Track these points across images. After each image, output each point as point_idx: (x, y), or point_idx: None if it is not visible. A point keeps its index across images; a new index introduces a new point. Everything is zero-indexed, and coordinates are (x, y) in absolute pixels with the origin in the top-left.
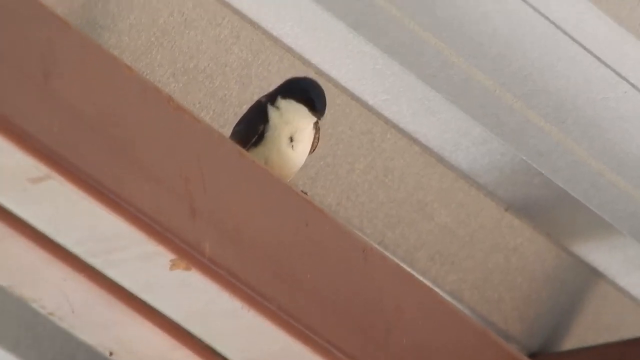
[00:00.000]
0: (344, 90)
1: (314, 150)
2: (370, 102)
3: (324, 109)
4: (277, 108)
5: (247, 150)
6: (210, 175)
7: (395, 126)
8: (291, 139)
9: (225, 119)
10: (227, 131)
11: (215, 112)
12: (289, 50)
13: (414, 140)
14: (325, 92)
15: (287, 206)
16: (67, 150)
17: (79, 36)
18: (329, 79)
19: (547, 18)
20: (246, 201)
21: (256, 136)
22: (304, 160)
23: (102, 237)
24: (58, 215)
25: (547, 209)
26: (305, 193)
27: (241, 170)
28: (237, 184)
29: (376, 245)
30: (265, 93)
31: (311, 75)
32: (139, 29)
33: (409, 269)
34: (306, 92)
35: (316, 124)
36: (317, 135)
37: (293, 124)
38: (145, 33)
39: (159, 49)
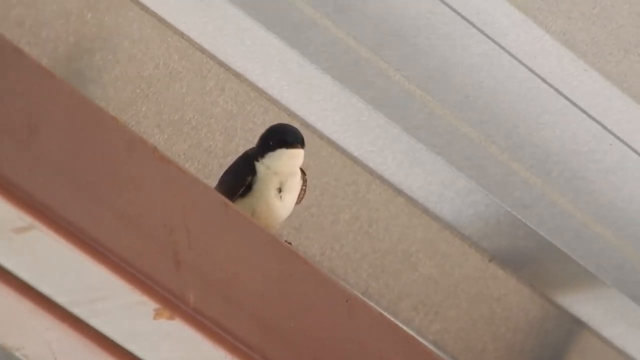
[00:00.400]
0: (329, 142)
1: (300, 200)
2: (356, 154)
3: (297, 139)
4: (263, 164)
5: (235, 201)
6: (195, 225)
7: (380, 177)
8: (280, 190)
9: (210, 170)
10: (213, 182)
11: (201, 163)
12: (274, 102)
13: (399, 192)
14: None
15: (271, 257)
16: (52, 200)
17: (65, 88)
18: (315, 130)
19: (533, 71)
20: (231, 252)
21: (244, 187)
22: (290, 211)
23: (86, 287)
24: (42, 265)
25: (532, 260)
26: (290, 243)
27: (226, 221)
28: (221, 234)
29: (360, 295)
30: (251, 145)
31: (297, 127)
32: (124, 81)
33: (393, 319)
34: (275, 136)
35: (303, 175)
36: (304, 187)
37: (282, 174)
38: (130, 85)
39: (145, 101)
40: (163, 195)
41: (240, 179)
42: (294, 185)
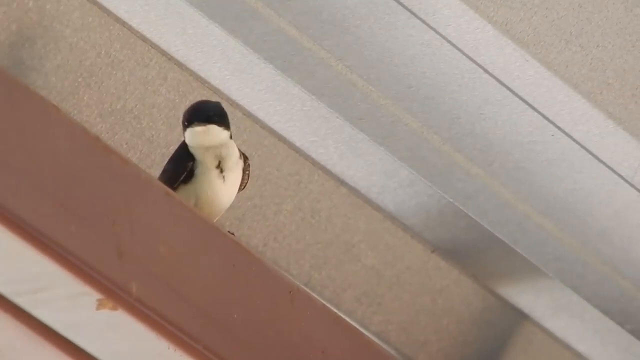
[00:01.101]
0: (271, 131)
1: (244, 187)
2: (298, 144)
3: (200, 116)
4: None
5: (178, 187)
6: (138, 215)
7: (322, 168)
8: (221, 170)
9: (153, 159)
10: (155, 172)
11: (143, 153)
12: (216, 91)
13: (341, 182)
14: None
15: (214, 247)
16: None
17: (5, 77)
18: (257, 120)
19: (474, 61)
20: (174, 242)
21: (185, 173)
22: (234, 195)
23: (28, 277)
24: None
25: (474, 251)
26: (232, 234)
27: (168, 211)
28: (164, 224)
29: (303, 287)
30: None
31: (239, 116)
32: (66, 69)
33: (335, 310)
34: (185, 115)
35: (246, 160)
36: (247, 172)
37: (214, 148)
38: (72, 74)
39: (86, 90)
40: (106, 185)
41: (181, 165)
42: (233, 165)
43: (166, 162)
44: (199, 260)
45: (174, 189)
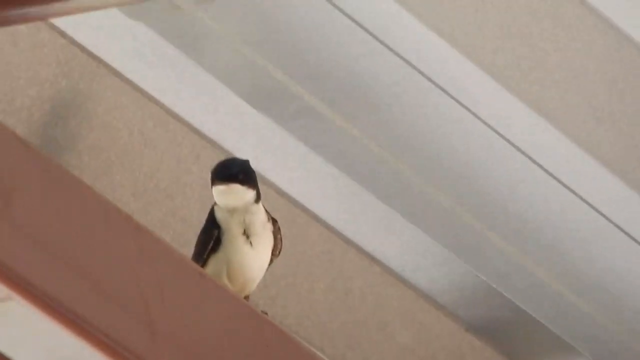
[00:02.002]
0: (304, 209)
1: (278, 253)
2: (331, 222)
3: (224, 174)
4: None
5: (208, 259)
6: (171, 295)
7: (355, 246)
8: (247, 236)
9: (186, 238)
10: (188, 250)
11: (176, 232)
12: None
13: (374, 260)
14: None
15: (247, 327)
16: (28, 271)
17: (39, 157)
18: (290, 198)
19: (507, 140)
20: (207, 322)
21: (212, 242)
22: (266, 261)
23: (63, 357)
24: (19, 336)
25: (508, 330)
26: (266, 313)
27: (201, 291)
28: (197, 304)
29: None
30: None
31: (271, 194)
32: (99, 148)
33: None
34: (211, 173)
35: (275, 223)
36: (279, 236)
37: (238, 213)
38: (105, 153)
39: (119, 169)
40: (138, 265)
41: (208, 234)
42: (260, 229)
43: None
44: (232, 340)
45: (205, 258)
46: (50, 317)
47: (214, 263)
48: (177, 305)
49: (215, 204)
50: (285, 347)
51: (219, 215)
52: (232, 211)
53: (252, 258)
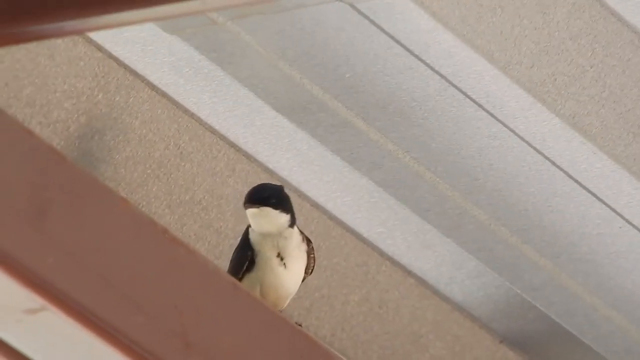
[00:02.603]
0: (339, 222)
1: (311, 272)
2: (365, 235)
3: (253, 198)
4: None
5: (243, 277)
6: (205, 307)
7: (390, 259)
8: (281, 258)
9: (221, 250)
10: (223, 262)
11: (211, 244)
12: (284, 182)
13: (409, 273)
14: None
15: (281, 338)
16: (62, 282)
17: (75, 169)
18: (325, 211)
19: (542, 154)
20: (241, 333)
21: (246, 263)
22: (299, 281)
23: None
24: (53, 346)
25: (542, 342)
26: (300, 325)
27: (235, 302)
28: (231, 315)
29: None
30: None
31: (307, 207)
32: (135, 161)
33: None
34: (244, 197)
35: (309, 243)
36: (312, 255)
37: (263, 233)
38: (141, 165)
39: (155, 181)
40: (173, 277)
41: (242, 255)
42: (294, 250)
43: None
44: (265, 351)
45: (240, 277)
46: (84, 327)
47: (248, 282)
48: (212, 316)
49: (249, 225)
50: (318, 358)
51: (252, 237)
52: (265, 234)
53: (285, 278)
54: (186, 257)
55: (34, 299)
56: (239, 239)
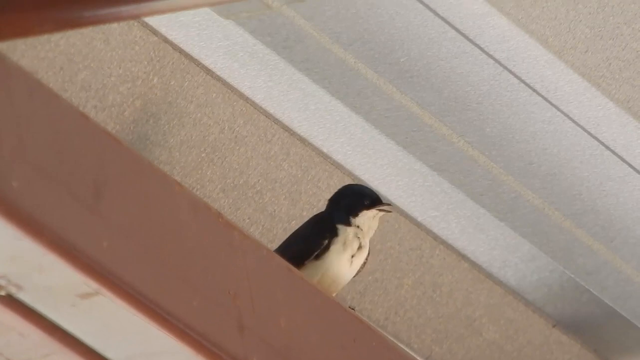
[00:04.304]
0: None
1: (363, 267)
2: (419, 219)
3: (378, 197)
4: (356, 226)
5: (306, 263)
6: (259, 290)
7: (443, 242)
8: (352, 255)
9: (275, 234)
10: (277, 246)
11: (265, 228)
12: (338, 166)
13: (463, 257)
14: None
15: (335, 322)
16: (117, 266)
17: (130, 153)
18: (379, 195)
19: (596, 138)
20: (294, 317)
21: (318, 251)
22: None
23: (150, 352)
24: (107, 331)
25: (596, 326)
26: (353, 309)
27: (289, 286)
28: (285, 299)
29: None
30: (315, 209)
31: None
32: (189, 145)
33: None
34: (367, 195)
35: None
36: (367, 253)
37: (369, 233)
38: (196, 149)
39: (210, 165)
40: (227, 260)
41: (318, 240)
42: (365, 251)
43: (290, 236)
44: (319, 334)
45: (304, 262)
46: (138, 311)
47: (311, 269)
48: (265, 300)
49: (335, 216)
50: (371, 342)
51: (342, 233)
52: (356, 233)
53: (347, 273)
54: (240, 240)
55: (88, 283)
56: (295, 223)
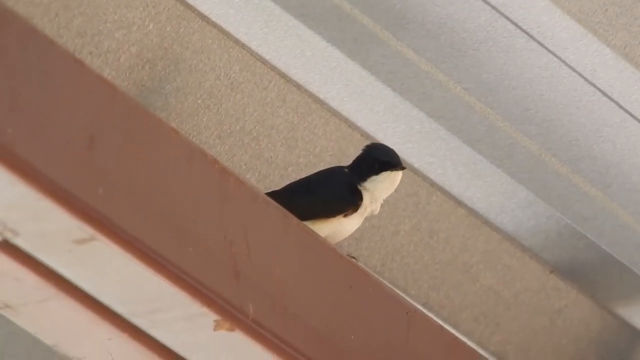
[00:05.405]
0: None
1: None
2: (416, 165)
3: (399, 159)
4: (367, 189)
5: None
6: (255, 237)
7: (440, 189)
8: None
9: (271, 180)
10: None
11: (261, 174)
12: (335, 113)
13: (460, 203)
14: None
15: (331, 268)
16: (112, 212)
17: (125, 100)
18: (375, 141)
19: (593, 84)
20: (290, 263)
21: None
22: None
23: (146, 298)
24: (102, 276)
25: (592, 272)
26: (354, 257)
27: (285, 233)
28: (281, 246)
29: (421, 307)
30: (312, 155)
31: (357, 138)
32: (185, 91)
33: (453, 331)
34: (379, 157)
35: None
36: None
37: (380, 199)
38: (192, 96)
39: (206, 112)
40: (223, 207)
41: (347, 203)
42: (375, 213)
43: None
44: (315, 281)
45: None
46: (133, 258)
47: (322, 228)
48: (262, 247)
49: (360, 183)
50: (368, 289)
51: (366, 198)
52: (372, 197)
53: (350, 230)
54: (236, 187)
55: (84, 229)
56: (291, 169)
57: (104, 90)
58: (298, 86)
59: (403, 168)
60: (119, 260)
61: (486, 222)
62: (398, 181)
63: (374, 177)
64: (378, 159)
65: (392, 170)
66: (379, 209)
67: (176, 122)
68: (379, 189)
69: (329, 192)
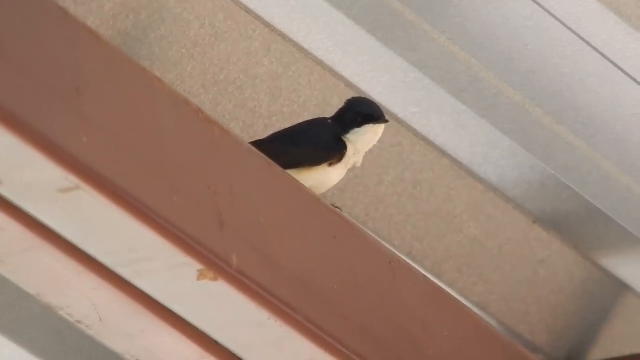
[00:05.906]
0: None
1: None
2: (400, 115)
3: (382, 112)
4: (350, 141)
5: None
6: (239, 187)
7: (424, 139)
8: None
9: (255, 130)
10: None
11: (245, 124)
12: (319, 63)
13: (443, 153)
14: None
15: (315, 218)
16: (96, 161)
17: (109, 49)
18: (359, 91)
19: (577, 34)
20: (274, 213)
21: (323, 164)
22: None
23: (130, 248)
24: (87, 226)
25: (576, 223)
26: (338, 208)
27: (270, 182)
28: (265, 195)
29: (404, 257)
30: (296, 105)
31: (341, 88)
32: (170, 40)
33: (436, 281)
34: (361, 111)
35: None
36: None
37: (362, 152)
38: (176, 45)
39: (190, 61)
40: (207, 156)
41: (333, 151)
42: (357, 165)
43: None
44: (299, 231)
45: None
46: (118, 207)
47: (306, 177)
48: (246, 196)
49: (346, 135)
50: (352, 239)
51: (350, 149)
52: (355, 149)
53: (335, 181)
54: (220, 136)
55: (68, 178)
56: (275, 119)
57: (88, 39)
58: (282, 35)
59: (386, 121)
60: (103, 209)
61: (470, 173)
62: (380, 134)
63: (356, 130)
64: (361, 112)
65: (374, 124)
66: (361, 161)
67: (160, 72)
68: (362, 142)
69: (314, 140)
